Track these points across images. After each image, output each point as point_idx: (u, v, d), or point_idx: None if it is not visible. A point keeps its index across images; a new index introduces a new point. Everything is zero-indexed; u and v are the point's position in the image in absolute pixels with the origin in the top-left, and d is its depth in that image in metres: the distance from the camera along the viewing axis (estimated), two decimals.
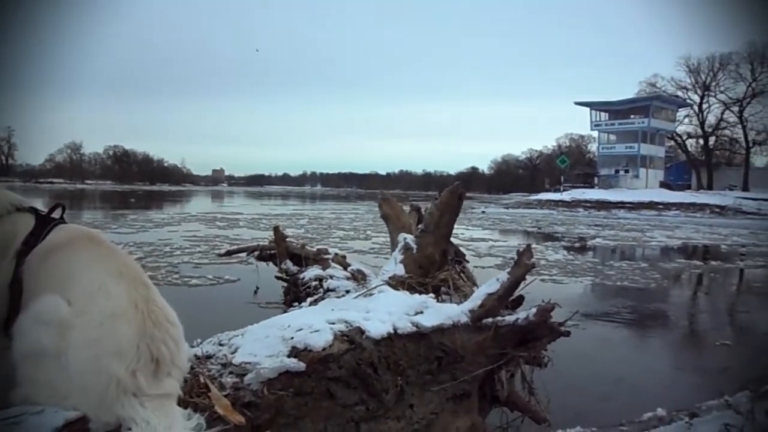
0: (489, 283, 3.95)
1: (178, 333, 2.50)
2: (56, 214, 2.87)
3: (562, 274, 13.82)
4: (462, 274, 4.87)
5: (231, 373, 2.68)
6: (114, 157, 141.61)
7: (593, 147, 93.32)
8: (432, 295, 4.14)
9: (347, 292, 4.62)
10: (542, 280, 12.54)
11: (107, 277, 2.46)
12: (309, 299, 4.76)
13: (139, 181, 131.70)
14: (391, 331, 3.25)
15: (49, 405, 2.15)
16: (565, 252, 18.54)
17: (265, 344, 2.87)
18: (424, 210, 5.36)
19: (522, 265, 3.90)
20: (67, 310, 2.33)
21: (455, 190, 4.67)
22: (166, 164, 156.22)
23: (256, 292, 8.14)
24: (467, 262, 5.28)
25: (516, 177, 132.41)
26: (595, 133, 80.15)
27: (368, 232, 21.22)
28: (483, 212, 46.08)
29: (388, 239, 5.60)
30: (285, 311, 5.45)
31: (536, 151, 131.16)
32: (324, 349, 2.84)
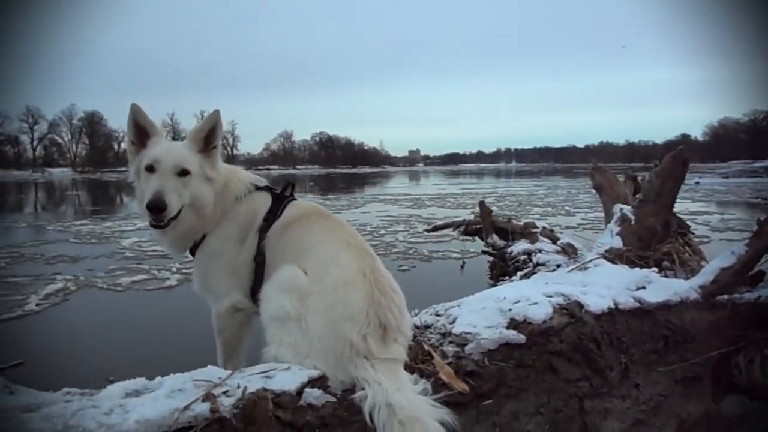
0: (722, 256, 3.57)
1: (402, 301, 2.61)
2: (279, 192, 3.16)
3: None
4: (687, 247, 4.45)
5: (451, 342, 2.72)
6: (320, 143, 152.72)
7: None
8: (654, 269, 3.85)
9: (558, 266, 4.47)
10: None
11: (338, 248, 2.64)
12: (519, 273, 4.70)
13: (342, 165, 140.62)
14: (612, 306, 3.09)
15: (293, 363, 2.38)
16: None
17: (483, 315, 2.87)
18: (640, 179, 4.98)
19: (763, 236, 3.47)
20: (305, 279, 2.55)
21: (678, 156, 4.27)
22: (366, 147, 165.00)
23: (462, 267, 8.21)
24: (693, 233, 4.81)
25: (736, 142, 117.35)
26: None
27: (567, 208, 20.31)
28: (697, 183, 41.53)
29: (592, 215, 5.30)
30: (492, 286, 5.45)
31: (762, 111, 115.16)
32: (544, 322, 2.78)
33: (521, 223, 5.67)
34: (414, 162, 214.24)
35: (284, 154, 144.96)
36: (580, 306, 3.01)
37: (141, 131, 2.87)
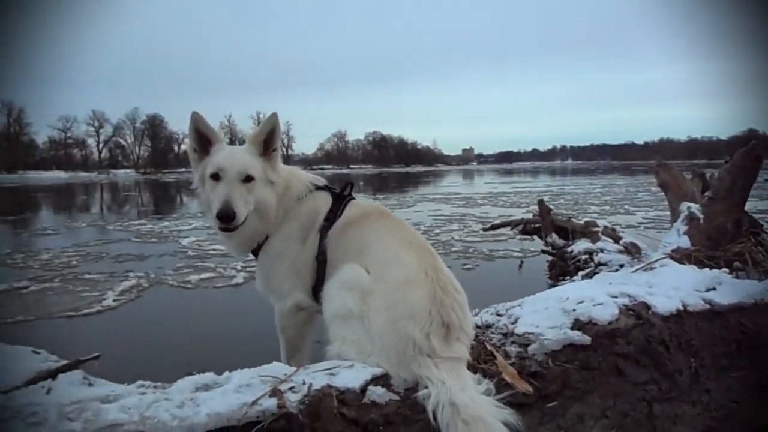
0: None
1: (464, 300, 2.59)
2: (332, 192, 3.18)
3: None
4: (760, 247, 4.25)
5: (514, 342, 2.69)
6: (373, 142, 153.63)
7: None
8: (725, 270, 3.70)
9: (621, 266, 4.36)
10: None
11: (399, 247, 2.65)
12: (580, 273, 4.59)
13: (396, 164, 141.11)
14: (680, 308, 2.99)
15: (357, 361, 2.40)
16: None
17: (545, 315, 2.83)
18: (708, 176, 4.79)
19: None
20: (367, 277, 2.57)
21: (751, 151, 4.08)
22: (419, 146, 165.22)
23: (520, 266, 8.08)
24: (766, 233, 4.60)
25: None
26: None
27: (626, 206, 19.72)
28: (767, 180, 39.38)
29: (653, 213, 5.14)
30: (551, 285, 5.35)
31: None
32: (610, 323, 2.71)
33: (582, 222, 5.54)
34: (467, 160, 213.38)
35: (338, 153, 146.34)
36: (647, 307, 2.92)
37: (203, 138, 2.92)
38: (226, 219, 2.67)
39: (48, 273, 8.83)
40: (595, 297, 2.92)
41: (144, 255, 10.53)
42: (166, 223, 16.46)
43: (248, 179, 2.81)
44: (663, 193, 4.96)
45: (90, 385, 2.17)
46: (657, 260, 3.75)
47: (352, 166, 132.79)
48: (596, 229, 5.26)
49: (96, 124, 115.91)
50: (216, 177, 2.80)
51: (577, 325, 2.71)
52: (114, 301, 6.90)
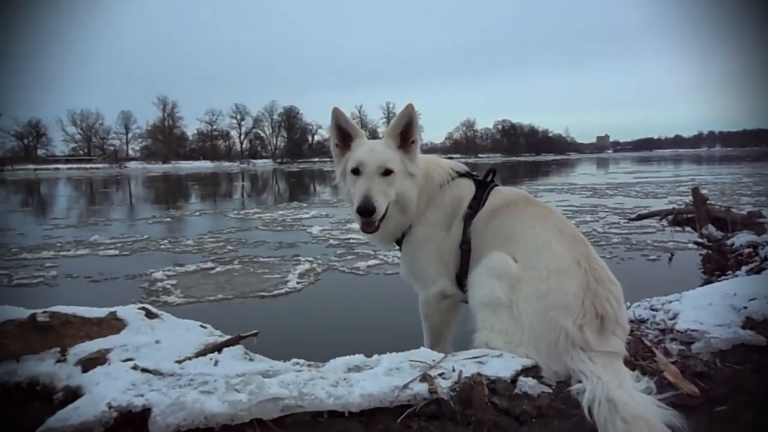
0: None
1: (619, 292, 2.45)
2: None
3: None
4: None
5: (674, 339, 2.51)
6: (502, 131, 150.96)
7: None
8: None
9: None
10: None
11: (549, 235, 2.55)
12: (743, 268, 4.19)
13: (526, 153, 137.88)
14: None
15: (504, 351, 2.34)
16: None
17: (710, 312, 2.61)
18: None
19: None
20: (515, 266, 2.50)
21: None
22: (550, 134, 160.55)
23: (670, 260, 7.56)
24: None
25: None
26: None
27: None
28: None
29: None
30: (706, 281, 4.95)
31: None
32: None
33: (743, 213, 5.05)
34: (602, 148, 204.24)
35: (466, 142, 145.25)
36: None
37: (344, 134, 2.98)
38: (366, 213, 2.70)
39: (211, 256, 9.62)
40: None
41: (285, 242, 10.99)
42: (282, 212, 17.10)
43: (387, 173, 2.81)
44: None
45: (250, 360, 2.30)
46: None
47: (480, 155, 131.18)
48: (762, 220, 4.77)
49: (238, 116, 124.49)
50: (356, 172, 2.84)
51: (749, 324, 2.48)
52: (297, 283, 7.38)
